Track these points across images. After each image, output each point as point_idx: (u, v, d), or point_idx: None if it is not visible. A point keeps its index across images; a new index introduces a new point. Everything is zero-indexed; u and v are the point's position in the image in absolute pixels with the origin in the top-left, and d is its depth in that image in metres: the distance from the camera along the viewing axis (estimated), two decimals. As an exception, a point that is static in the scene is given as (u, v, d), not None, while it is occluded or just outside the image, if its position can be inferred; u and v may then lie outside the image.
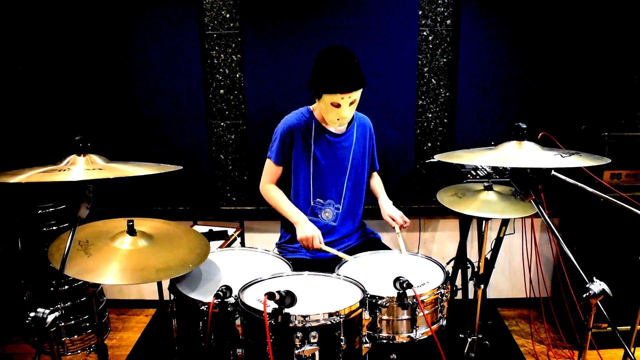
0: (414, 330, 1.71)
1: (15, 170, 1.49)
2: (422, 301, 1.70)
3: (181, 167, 1.76)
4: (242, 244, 2.82)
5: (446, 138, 2.86)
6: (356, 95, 2.05)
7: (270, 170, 2.26)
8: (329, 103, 2.04)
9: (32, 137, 2.81)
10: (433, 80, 2.79)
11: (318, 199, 2.25)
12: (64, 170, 1.46)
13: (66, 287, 2.61)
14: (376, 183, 2.46)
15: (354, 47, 2.61)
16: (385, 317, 1.70)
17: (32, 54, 2.72)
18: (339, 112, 2.05)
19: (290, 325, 1.44)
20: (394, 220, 2.25)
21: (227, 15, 2.71)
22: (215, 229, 2.69)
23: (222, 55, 2.76)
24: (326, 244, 2.25)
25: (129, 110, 2.79)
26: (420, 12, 2.68)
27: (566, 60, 2.71)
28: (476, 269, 2.37)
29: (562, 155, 1.54)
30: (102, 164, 1.55)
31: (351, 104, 2.05)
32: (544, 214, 1.47)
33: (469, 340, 2.28)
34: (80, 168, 1.50)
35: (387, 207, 2.32)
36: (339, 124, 2.12)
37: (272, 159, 2.23)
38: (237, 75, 2.77)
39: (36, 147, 2.79)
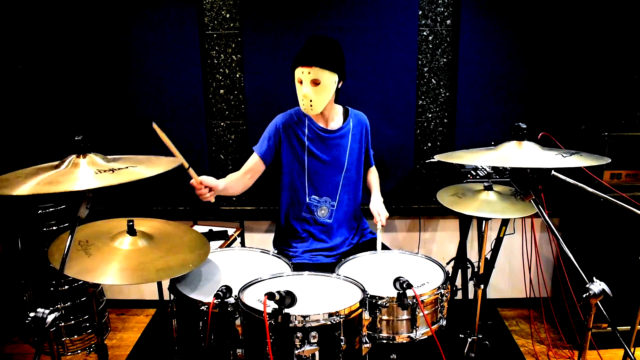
0: (414, 331, 1.71)
1: (16, 172, 1.47)
2: (422, 301, 1.70)
3: (181, 163, 1.75)
4: (242, 244, 2.81)
5: (446, 138, 2.86)
6: (319, 74, 2.01)
7: (250, 162, 2.21)
8: (297, 81, 2.06)
9: (32, 137, 2.80)
10: (433, 80, 2.79)
11: (313, 196, 2.24)
12: (66, 174, 1.43)
13: (66, 287, 2.61)
14: (372, 178, 2.44)
15: (354, 47, 2.65)
16: (385, 317, 1.70)
17: (32, 54, 2.72)
18: (302, 89, 2.04)
19: (290, 325, 1.44)
20: (379, 215, 2.20)
21: (227, 15, 2.71)
22: (215, 229, 2.68)
23: (222, 55, 2.76)
24: (326, 248, 2.25)
25: (128, 110, 2.79)
26: (420, 12, 2.68)
27: (566, 60, 2.71)
28: (476, 269, 2.37)
29: (562, 155, 1.54)
30: (104, 165, 1.53)
31: (316, 84, 2.02)
32: (544, 214, 1.47)
33: (469, 340, 2.28)
34: (85, 174, 1.43)
35: (377, 201, 2.28)
36: (305, 105, 2.06)
37: (255, 150, 2.21)
38: (237, 75, 2.77)
39: (36, 147, 2.79)
